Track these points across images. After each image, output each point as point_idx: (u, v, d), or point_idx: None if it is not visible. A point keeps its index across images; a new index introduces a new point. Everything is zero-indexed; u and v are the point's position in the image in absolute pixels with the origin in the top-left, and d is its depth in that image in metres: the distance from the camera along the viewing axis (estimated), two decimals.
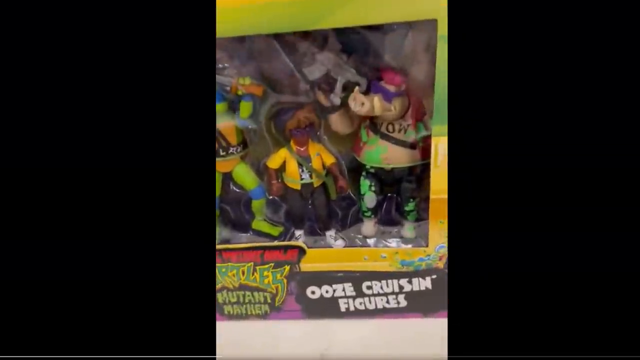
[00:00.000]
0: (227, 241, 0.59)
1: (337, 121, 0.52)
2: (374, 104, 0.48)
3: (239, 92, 0.49)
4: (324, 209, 0.57)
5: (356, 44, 0.48)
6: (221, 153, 0.54)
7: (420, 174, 0.55)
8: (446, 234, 0.52)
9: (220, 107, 0.51)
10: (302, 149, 0.53)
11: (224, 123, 0.52)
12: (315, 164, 0.54)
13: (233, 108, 0.52)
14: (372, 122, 0.53)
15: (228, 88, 0.49)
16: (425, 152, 0.52)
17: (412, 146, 0.52)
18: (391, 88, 0.49)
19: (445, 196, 0.48)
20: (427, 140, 0.51)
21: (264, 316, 0.60)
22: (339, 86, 0.49)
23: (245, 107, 0.50)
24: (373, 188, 0.56)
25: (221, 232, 0.59)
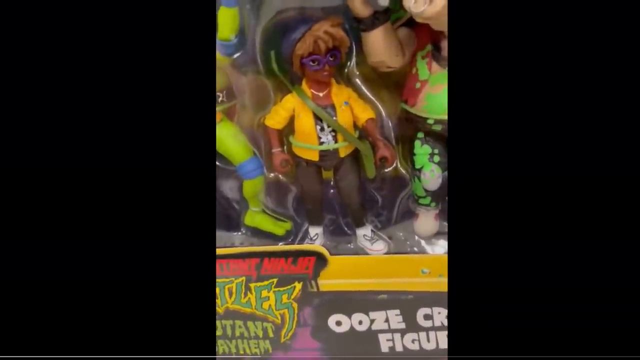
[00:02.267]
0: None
1: (380, 43, 0.35)
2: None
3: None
4: (356, 194, 0.43)
5: None
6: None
7: None
8: None
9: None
10: (321, 95, 0.38)
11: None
12: (343, 118, 0.37)
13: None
14: (438, 47, 0.35)
15: None
16: None
17: None
18: None
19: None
20: None
21: (263, 358, 0.48)
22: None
23: (228, 16, 0.33)
24: (437, 158, 0.41)
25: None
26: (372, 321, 0.44)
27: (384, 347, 0.45)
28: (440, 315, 0.42)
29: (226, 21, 0.35)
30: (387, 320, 0.44)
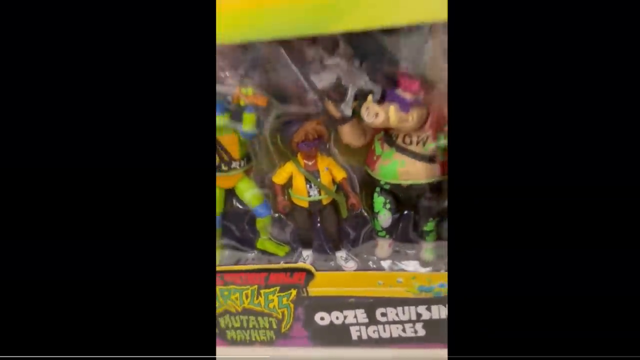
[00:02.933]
0: (229, 262, 0.56)
1: (348, 133, 0.49)
2: (390, 115, 0.44)
3: (242, 103, 0.46)
4: (334, 228, 0.54)
5: (369, 48, 0.44)
6: (223, 168, 0.51)
7: (440, 190, 0.51)
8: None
9: (221, 118, 0.48)
10: (310, 163, 0.50)
11: (226, 136, 0.50)
12: (325, 179, 0.50)
13: (236, 120, 0.48)
14: (387, 134, 0.49)
15: (230, 98, 0.46)
16: (446, 167, 0.48)
17: (431, 160, 0.49)
18: (408, 96, 0.45)
19: None
20: (447, 153, 0.47)
21: (269, 343, 0.58)
22: (350, 95, 0.46)
23: (249, 119, 0.47)
24: (388, 206, 0.52)
25: (223, 252, 0.56)
26: (345, 317, 0.55)
27: (354, 336, 0.56)
28: (392, 313, 0.53)
29: (249, 121, 0.49)
30: (355, 317, 0.55)
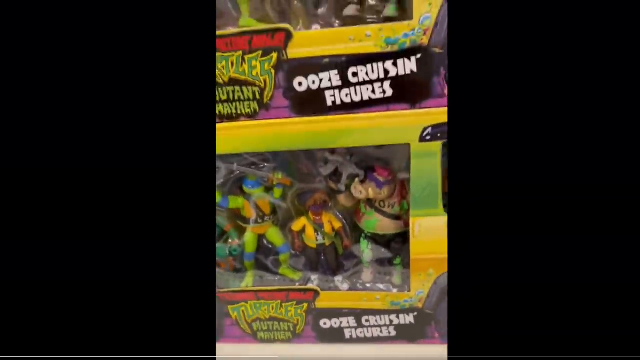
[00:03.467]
0: (259, 284, 0.76)
1: (343, 200, 0.72)
2: (369, 192, 0.67)
3: (274, 182, 0.69)
4: (334, 261, 0.76)
5: (356, 150, 0.67)
6: (258, 220, 0.73)
7: (403, 237, 0.72)
8: (424, 283, 0.69)
9: (258, 190, 0.70)
10: (317, 218, 0.73)
11: (261, 200, 0.72)
12: (327, 228, 0.73)
13: (267, 190, 0.71)
14: (369, 200, 0.71)
15: (266, 179, 0.68)
16: (407, 223, 0.69)
17: (398, 218, 0.71)
18: (381, 178, 0.67)
19: (421, 257, 0.66)
20: (408, 213, 0.67)
21: (288, 341, 0.77)
22: (344, 178, 0.68)
23: (278, 191, 0.70)
24: (370, 247, 0.74)
25: (255, 277, 0.77)
26: (340, 322, 0.73)
27: (347, 335, 0.75)
28: (373, 319, 0.72)
29: (278, 193, 0.71)
30: (348, 322, 0.73)
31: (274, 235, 0.75)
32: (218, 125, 0.60)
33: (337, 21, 0.60)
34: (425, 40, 0.54)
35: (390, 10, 0.59)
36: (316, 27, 0.60)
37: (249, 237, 0.74)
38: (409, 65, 0.55)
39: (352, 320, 0.74)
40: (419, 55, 0.54)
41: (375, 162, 0.67)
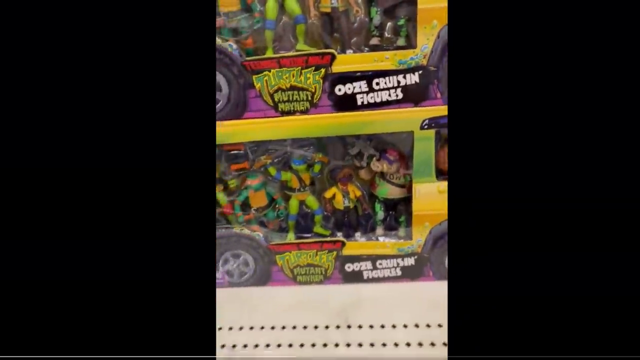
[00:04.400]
0: (301, 237, 0.97)
1: (363, 174, 0.97)
2: (383, 167, 0.93)
3: (315, 160, 0.94)
4: (355, 220, 0.99)
5: (374, 136, 0.94)
6: (300, 189, 0.97)
7: (407, 201, 0.98)
8: (422, 233, 0.93)
9: (303, 167, 0.95)
10: (344, 188, 0.96)
11: (304, 174, 0.97)
12: (352, 195, 0.96)
13: (309, 166, 0.96)
14: (382, 173, 0.97)
15: (309, 158, 0.94)
16: (409, 190, 0.92)
17: (402, 186, 0.95)
18: (391, 157, 0.93)
19: (420, 213, 0.91)
20: (410, 183, 0.91)
21: (320, 282, 0.98)
22: (365, 157, 0.93)
23: (317, 167, 0.95)
24: (382, 209, 0.97)
25: (296, 232, 1.00)
26: (360, 266, 0.97)
27: (365, 276, 0.99)
28: (384, 263, 0.96)
29: (317, 168, 0.98)
30: (365, 265, 0.97)
31: (312, 201, 0.96)
32: (279, 119, 0.86)
33: (365, 48, 0.82)
34: (424, 62, 0.77)
35: (401, 41, 0.81)
36: (350, 52, 0.80)
37: (293, 203, 0.96)
38: (413, 78, 0.78)
39: (368, 264, 0.96)
40: (420, 72, 0.78)
41: (388, 145, 0.94)
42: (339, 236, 0.98)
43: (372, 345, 0.80)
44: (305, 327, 0.87)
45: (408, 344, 0.79)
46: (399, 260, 0.96)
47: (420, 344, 0.78)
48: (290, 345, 0.82)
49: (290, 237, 0.99)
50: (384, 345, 0.80)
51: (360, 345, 0.81)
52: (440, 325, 0.83)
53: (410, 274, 0.99)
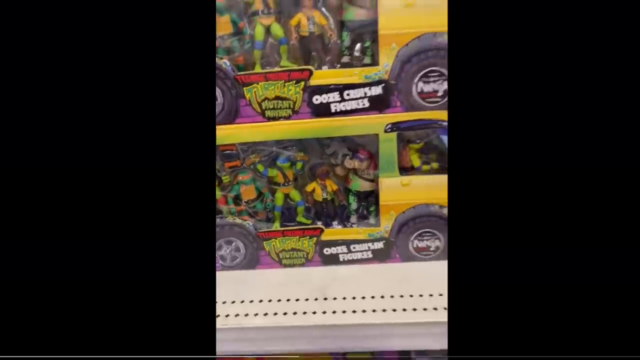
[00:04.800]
0: (285, 226, 1.09)
1: (339, 170, 1.08)
2: (355, 165, 1.09)
3: (297, 158, 1.09)
4: (332, 210, 1.10)
5: (347, 138, 1.10)
6: (285, 184, 1.13)
7: (375, 193, 1.11)
8: (388, 220, 1.07)
9: (287, 165, 1.10)
10: (323, 182, 1.07)
11: (288, 170, 1.13)
12: (329, 189, 1.11)
13: (292, 164, 1.12)
14: (355, 170, 1.08)
15: (292, 157, 1.09)
16: (377, 184, 1.04)
17: (372, 181, 1.05)
18: (362, 156, 1.08)
19: (386, 203, 1.07)
20: (377, 178, 1.03)
21: (302, 264, 1.09)
22: (340, 156, 1.08)
23: (299, 165, 1.10)
24: (355, 200, 1.09)
25: (282, 222, 1.16)
26: (337, 250, 1.14)
27: (341, 259, 1.14)
28: (357, 247, 1.13)
29: (300, 165, 1.13)
30: (341, 249, 1.13)
31: (295, 194, 1.08)
32: (266, 124, 1.01)
33: (337, 65, 0.96)
34: (386, 77, 0.92)
35: (367, 60, 0.96)
36: (325, 68, 0.94)
37: (279, 196, 1.08)
38: (377, 90, 0.92)
39: (344, 248, 1.07)
40: (383, 85, 0.92)
41: (359, 146, 1.10)
42: (319, 224, 1.09)
43: (344, 312, 0.96)
44: (288, 300, 1.02)
45: (374, 310, 0.94)
46: (370, 244, 1.08)
47: (384, 310, 0.94)
48: (275, 314, 0.97)
49: (276, 225, 1.11)
50: (353, 312, 0.95)
51: (334, 312, 0.96)
52: (402, 296, 0.99)
53: (379, 256, 1.13)
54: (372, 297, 0.99)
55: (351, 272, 1.09)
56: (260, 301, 1.02)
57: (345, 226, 1.10)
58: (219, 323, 0.95)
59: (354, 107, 0.97)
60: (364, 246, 1.08)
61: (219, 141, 1.00)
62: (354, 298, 1.00)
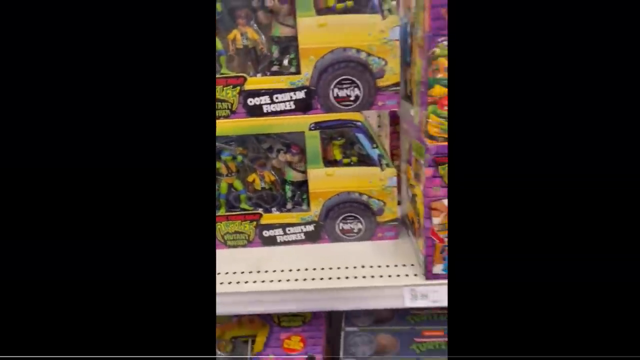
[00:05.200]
0: (230, 211, 1.18)
1: (275, 163, 1.22)
2: (287, 158, 1.27)
3: (237, 152, 1.28)
4: (270, 198, 1.18)
5: (280, 135, 1.29)
6: (228, 175, 1.28)
7: (306, 182, 1.30)
8: (317, 206, 1.25)
9: (229, 158, 1.28)
10: (261, 174, 1.15)
11: (231, 162, 1.30)
12: (267, 179, 1.18)
13: (234, 157, 1.30)
14: (289, 162, 1.29)
15: (233, 151, 1.27)
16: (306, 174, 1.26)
17: (304, 172, 1.20)
18: (294, 150, 1.26)
19: (314, 191, 1.26)
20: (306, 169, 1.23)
21: (244, 245, 1.17)
22: (275, 150, 1.25)
23: (239, 158, 1.29)
24: (290, 189, 1.17)
25: (227, 208, 1.34)
26: (274, 232, 1.35)
27: (278, 240, 1.33)
28: (291, 229, 1.34)
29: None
30: (278, 232, 1.37)
31: (238, 184, 1.18)
32: None
33: (268, 73, 1.08)
34: (307, 83, 1.06)
35: (292, 69, 1.08)
36: (258, 75, 1.07)
37: (223, 185, 1.17)
38: (301, 94, 1.07)
39: (280, 231, 1.17)
40: (305, 90, 1.06)
41: (291, 142, 1.29)
42: (259, 210, 1.20)
43: (271, 281, 1.13)
44: (227, 273, 1.19)
45: (305, 279, 1.11)
46: (302, 227, 1.19)
47: (313, 279, 1.11)
48: (221, 283, 1.13)
49: (222, 211, 1.20)
50: (279, 280, 1.13)
51: (262, 281, 1.14)
52: (322, 269, 1.17)
53: (311, 237, 1.23)
54: (298, 270, 1.17)
55: (287, 250, 1.24)
56: None
57: (281, 211, 1.20)
58: None
59: (282, 109, 1.12)
60: (298, 229, 1.20)
61: None
62: (282, 271, 1.18)
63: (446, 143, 0.81)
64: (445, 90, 0.78)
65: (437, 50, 0.75)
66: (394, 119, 1.52)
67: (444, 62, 0.76)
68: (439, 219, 0.93)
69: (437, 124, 0.82)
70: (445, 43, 0.75)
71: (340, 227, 1.28)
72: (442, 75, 0.77)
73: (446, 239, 0.90)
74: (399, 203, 1.23)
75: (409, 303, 0.93)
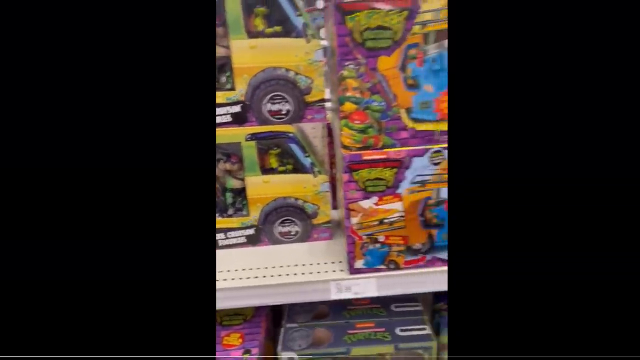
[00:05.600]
0: None
1: (217, 172, 1.42)
2: (227, 167, 1.38)
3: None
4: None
5: (221, 147, 1.39)
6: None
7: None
8: (256, 211, 1.37)
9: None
10: None
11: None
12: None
13: None
14: (229, 171, 1.42)
15: None
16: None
17: (243, 180, 1.42)
18: (233, 160, 1.39)
19: (252, 196, 1.37)
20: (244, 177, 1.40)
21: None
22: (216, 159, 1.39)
23: None
24: (231, 196, 1.23)
25: None
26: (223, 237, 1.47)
27: (220, 244, 1.49)
28: (232, 234, 1.44)
29: None
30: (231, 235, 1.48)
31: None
32: None
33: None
34: (242, 99, 1.14)
35: (228, 86, 1.12)
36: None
37: None
38: (237, 108, 1.14)
39: (222, 235, 1.21)
40: (240, 105, 1.14)
41: (230, 151, 1.39)
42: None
43: (223, 280, 1.21)
44: None
45: (248, 277, 1.16)
46: (243, 231, 1.24)
47: (256, 277, 1.19)
48: None
49: None
50: (224, 280, 1.22)
51: None
52: (266, 268, 1.25)
53: (251, 241, 1.26)
54: (243, 270, 1.26)
55: (229, 252, 1.30)
56: None
57: (223, 217, 1.24)
58: None
59: (221, 122, 1.19)
60: (238, 232, 1.25)
61: None
62: (221, 271, 1.27)
63: (359, 152, 0.94)
64: (355, 106, 0.91)
65: (345, 72, 0.89)
66: (330, 130, 1.65)
67: (351, 83, 0.89)
68: (357, 219, 1.05)
69: (349, 135, 0.95)
70: (352, 66, 0.88)
71: (279, 230, 1.36)
72: (351, 93, 0.90)
73: (365, 237, 1.02)
74: (335, 208, 1.31)
75: (334, 295, 1.02)
